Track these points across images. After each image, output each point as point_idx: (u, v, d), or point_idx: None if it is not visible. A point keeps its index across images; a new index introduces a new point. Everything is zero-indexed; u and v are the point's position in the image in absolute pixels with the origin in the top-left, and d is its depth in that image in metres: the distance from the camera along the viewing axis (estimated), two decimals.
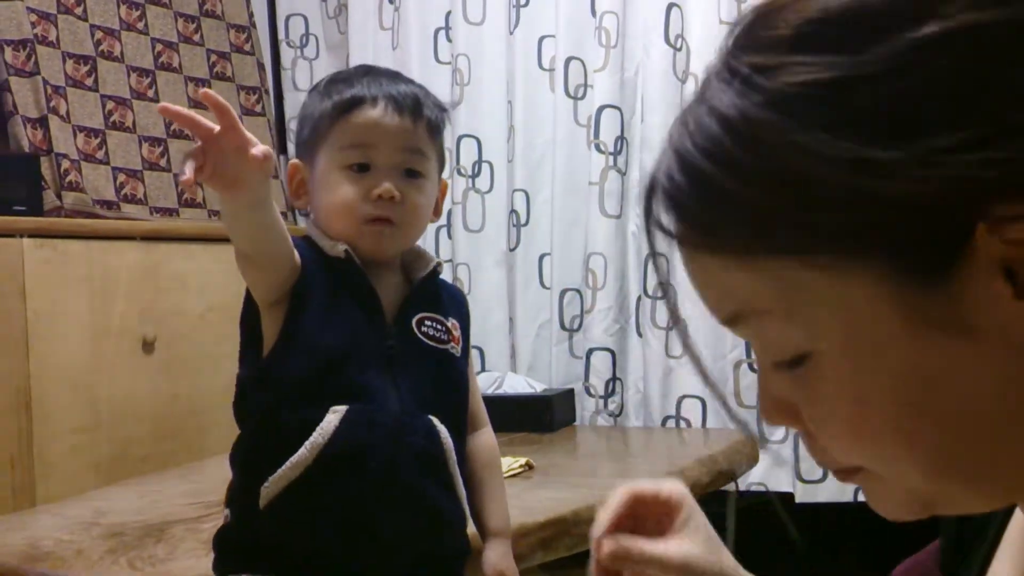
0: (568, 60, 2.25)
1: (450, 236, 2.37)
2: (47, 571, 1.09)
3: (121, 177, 2.40)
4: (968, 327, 0.33)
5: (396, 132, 0.98)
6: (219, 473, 1.68)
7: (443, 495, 0.98)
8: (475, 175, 2.34)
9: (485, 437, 1.07)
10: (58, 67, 2.29)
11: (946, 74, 0.33)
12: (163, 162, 2.48)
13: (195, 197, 2.54)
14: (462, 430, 1.02)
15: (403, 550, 0.96)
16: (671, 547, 0.54)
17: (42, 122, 2.22)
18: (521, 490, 1.35)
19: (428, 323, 1.01)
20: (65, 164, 2.23)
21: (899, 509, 0.38)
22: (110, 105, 2.41)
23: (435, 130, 1.03)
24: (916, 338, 0.34)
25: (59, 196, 2.21)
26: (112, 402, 2.06)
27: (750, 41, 0.39)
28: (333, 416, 0.92)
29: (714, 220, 0.38)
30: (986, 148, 0.32)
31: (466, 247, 2.32)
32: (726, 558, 0.55)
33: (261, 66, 2.76)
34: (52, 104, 2.23)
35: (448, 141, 2.35)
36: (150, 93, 2.50)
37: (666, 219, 0.39)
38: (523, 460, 1.53)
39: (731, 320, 0.39)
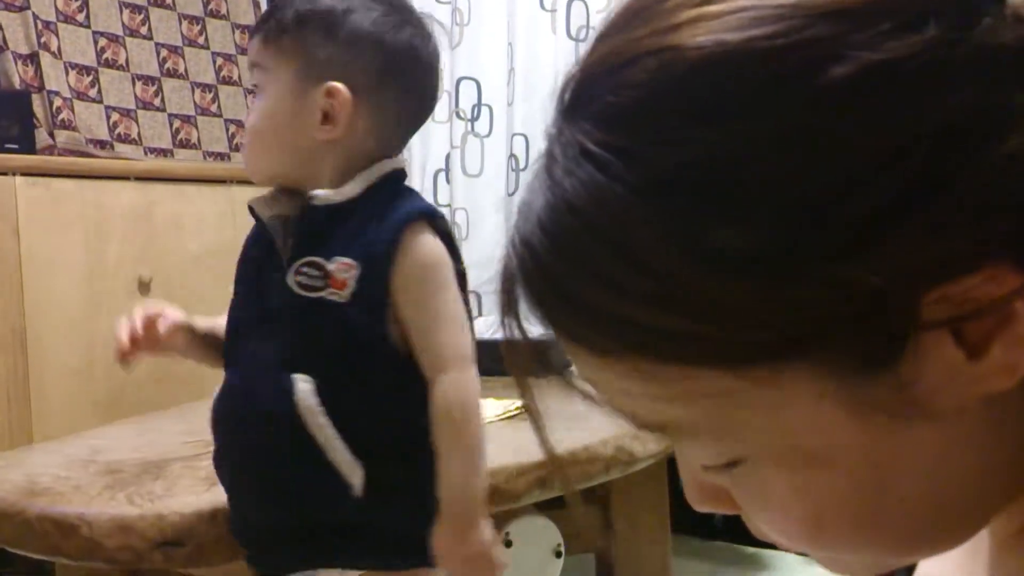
0: (570, 1, 2.21)
1: (448, 181, 2.35)
2: (46, 506, 1.09)
3: (114, 116, 2.37)
4: (922, 405, 0.30)
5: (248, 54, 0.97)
6: None
7: (298, 459, 0.89)
8: (474, 119, 2.31)
9: (438, 388, 0.90)
10: (48, 1, 2.24)
11: (858, 136, 0.28)
12: (157, 101, 2.44)
13: (190, 138, 2.51)
14: (345, 383, 0.90)
15: (260, 519, 0.95)
16: None
17: (33, 59, 2.18)
18: (516, 431, 1.35)
19: (304, 269, 0.90)
20: (57, 102, 2.19)
21: (862, 574, 0.37)
22: (102, 42, 2.36)
23: (276, 35, 0.91)
24: (866, 430, 0.30)
25: (51, 135, 2.19)
26: (108, 342, 2.04)
27: (595, 108, 0.32)
28: (216, 390, 0.98)
29: (601, 341, 0.32)
30: (915, 225, 0.28)
31: (465, 192, 2.30)
32: None
33: None
34: (43, 40, 2.19)
35: (447, 83, 2.32)
36: (143, 30, 2.45)
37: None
38: (519, 403, 1.53)
39: (647, 428, 0.34)
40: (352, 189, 0.92)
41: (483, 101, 2.31)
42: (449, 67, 2.31)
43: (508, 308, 0.34)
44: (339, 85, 0.89)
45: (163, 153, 2.48)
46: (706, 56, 0.29)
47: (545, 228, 0.32)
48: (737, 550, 1.96)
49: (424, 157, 2.35)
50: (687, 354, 0.30)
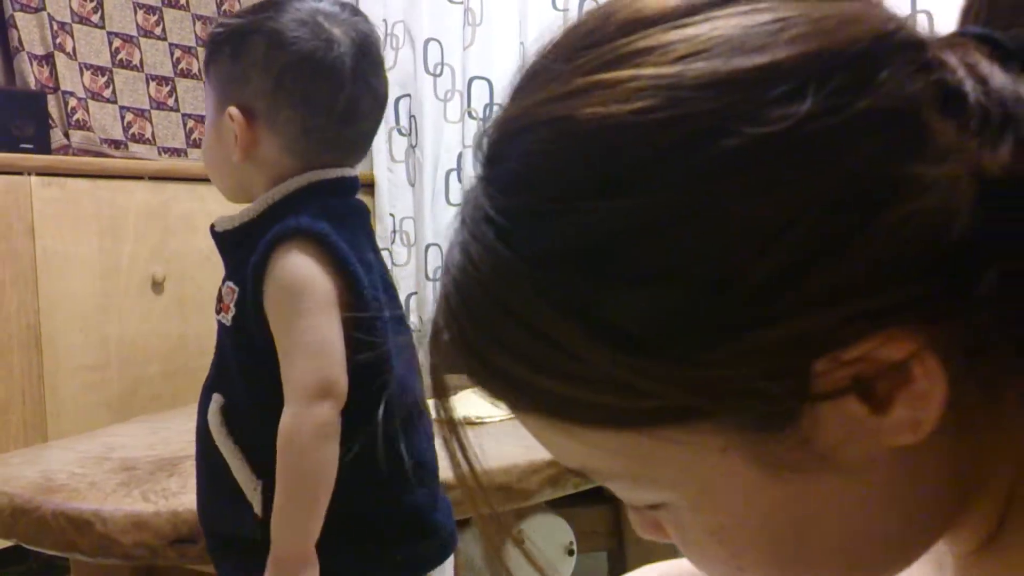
0: (582, 0, 2.21)
1: (460, 180, 2.35)
2: (61, 502, 1.10)
3: (128, 116, 2.38)
4: (828, 459, 0.30)
5: None
6: None
7: (210, 473, 0.92)
8: (487, 118, 2.31)
9: (280, 422, 0.85)
10: (64, 2, 2.26)
11: (744, 209, 0.28)
12: (170, 101, 2.46)
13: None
14: (245, 403, 0.89)
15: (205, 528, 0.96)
16: None
17: (48, 59, 2.19)
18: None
19: (219, 291, 0.91)
20: (72, 102, 2.21)
21: None
22: (117, 43, 2.37)
23: (206, 58, 0.91)
24: (776, 484, 0.30)
25: (66, 135, 2.20)
26: (122, 341, 2.07)
27: (497, 173, 0.32)
28: None
29: (514, 402, 0.32)
30: (803, 296, 0.28)
31: None
32: None
33: None
34: (58, 41, 2.20)
35: (459, 83, 2.32)
36: (157, 31, 2.47)
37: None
38: None
39: (575, 472, 0.35)
40: (250, 211, 0.91)
41: (495, 101, 2.31)
42: (461, 67, 2.32)
43: (434, 351, 0.34)
44: (234, 109, 0.88)
45: (177, 153, 2.49)
46: (595, 128, 0.29)
47: (459, 289, 0.32)
48: None
49: (436, 157, 2.36)
50: (592, 418, 0.31)
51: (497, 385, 0.32)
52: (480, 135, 0.33)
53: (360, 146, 0.95)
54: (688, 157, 0.28)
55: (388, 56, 2.43)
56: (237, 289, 0.88)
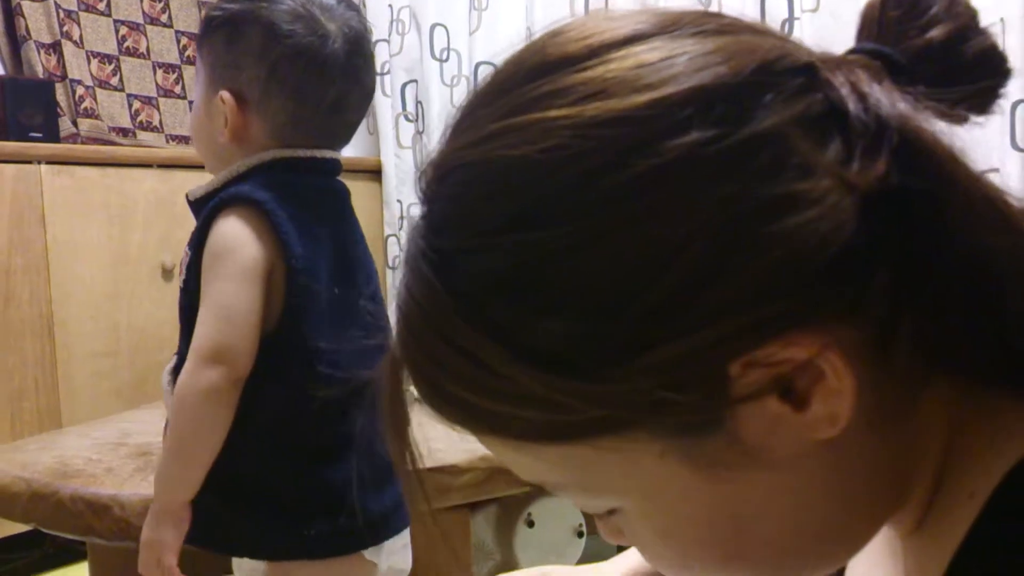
0: None
1: None
2: (79, 487, 1.11)
3: (136, 104, 2.39)
4: (757, 456, 0.32)
5: None
6: None
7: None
8: None
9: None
10: None
11: (638, 235, 0.30)
12: (178, 89, 2.46)
13: None
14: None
15: None
16: None
17: (55, 47, 2.20)
18: None
19: None
20: (80, 90, 2.22)
21: None
22: (123, 30, 2.38)
23: (200, 38, 0.94)
24: (713, 484, 0.32)
25: (75, 123, 2.21)
26: (133, 328, 2.08)
27: (428, 211, 0.35)
28: None
29: (461, 423, 0.34)
30: (701, 310, 0.30)
31: None
32: None
33: None
34: (65, 29, 2.21)
35: (466, 68, 2.32)
36: (163, 18, 2.47)
37: None
38: None
39: (528, 484, 0.38)
40: (214, 182, 0.94)
41: None
42: (468, 52, 2.32)
43: (394, 379, 0.36)
44: (226, 93, 0.91)
45: (184, 140, 2.50)
46: (504, 168, 0.32)
47: (406, 320, 0.34)
48: None
49: None
50: (532, 434, 0.33)
51: (450, 410, 0.34)
52: (419, 174, 0.36)
53: (344, 135, 0.98)
54: (587, 190, 0.30)
55: (394, 42, 2.43)
56: (190, 253, 0.92)
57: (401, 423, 0.36)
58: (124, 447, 1.33)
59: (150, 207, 2.13)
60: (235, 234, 0.87)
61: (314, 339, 0.88)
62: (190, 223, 2.43)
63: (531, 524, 1.43)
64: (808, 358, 0.30)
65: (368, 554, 0.92)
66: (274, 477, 0.90)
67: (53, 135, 2.07)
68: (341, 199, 0.99)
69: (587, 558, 1.52)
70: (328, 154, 0.96)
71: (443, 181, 0.34)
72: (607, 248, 0.30)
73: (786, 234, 0.29)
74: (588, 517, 1.50)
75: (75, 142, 2.17)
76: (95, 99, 2.26)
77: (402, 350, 0.35)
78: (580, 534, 1.49)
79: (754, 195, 0.30)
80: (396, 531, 0.95)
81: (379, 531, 0.92)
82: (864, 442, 0.33)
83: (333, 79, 0.91)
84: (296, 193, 0.91)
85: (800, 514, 0.33)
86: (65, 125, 2.18)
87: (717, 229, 0.30)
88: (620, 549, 1.82)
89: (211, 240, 0.88)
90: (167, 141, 2.44)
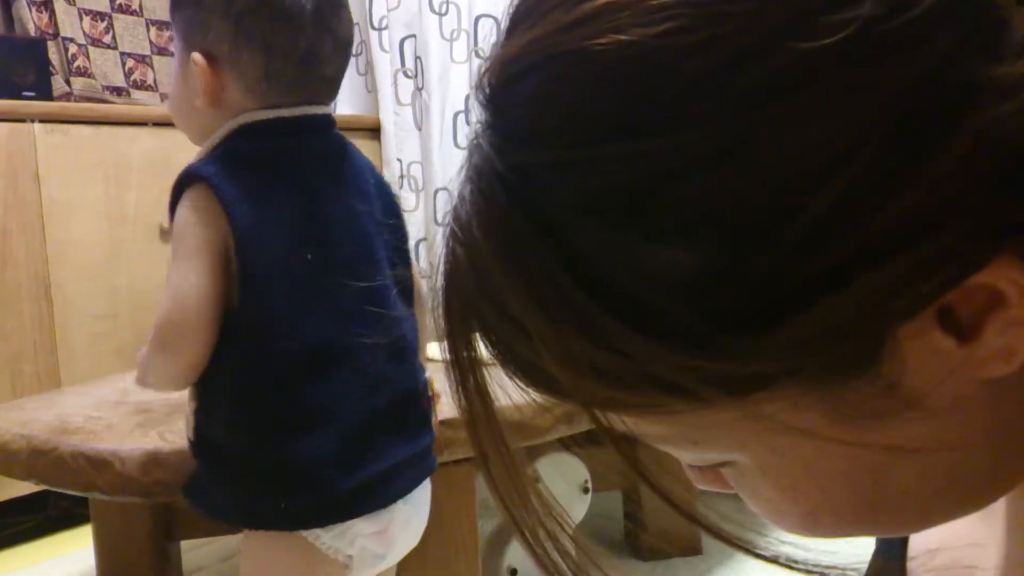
0: None
1: (468, 122, 2.32)
2: (79, 443, 1.10)
3: (130, 63, 2.34)
4: (912, 400, 0.27)
5: None
6: None
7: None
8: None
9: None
10: None
11: (799, 139, 0.24)
12: (171, 47, 2.42)
13: None
14: None
15: None
16: None
17: (47, 5, 2.15)
18: None
19: None
20: (72, 49, 2.18)
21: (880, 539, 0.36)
22: None
23: (173, 9, 0.93)
24: (852, 434, 0.27)
25: (68, 82, 2.17)
26: (131, 290, 2.06)
27: (503, 121, 0.28)
28: None
29: (553, 385, 0.29)
30: (877, 227, 0.24)
31: None
32: None
33: None
34: None
35: (465, 22, 2.28)
36: None
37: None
38: None
39: (628, 438, 0.31)
40: (199, 155, 0.94)
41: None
42: (468, 5, 2.27)
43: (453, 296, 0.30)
44: (197, 55, 0.90)
45: None
46: (614, 60, 0.25)
47: (471, 257, 0.28)
48: None
49: (443, 99, 2.32)
50: (637, 400, 0.28)
51: (519, 374, 0.29)
52: (480, 75, 0.29)
53: (326, 90, 0.95)
54: (728, 84, 0.24)
55: None
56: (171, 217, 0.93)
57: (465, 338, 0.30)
58: (124, 405, 1.32)
59: (146, 166, 2.10)
60: (185, 216, 0.88)
61: (272, 310, 0.87)
62: None
63: (536, 480, 1.42)
64: (989, 282, 0.25)
65: (331, 536, 0.89)
66: (245, 447, 0.89)
67: (46, 94, 2.04)
68: (332, 157, 0.95)
69: (593, 515, 1.51)
70: (312, 110, 0.93)
71: (520, 80, 0.27)
72: (752, 158, 0.24)
73: (985, 128, 0.24)
74: (593, 474, 1.49)
75: (69, 100, 2.13)
76: (88, 57, 2.22)
77: (459, 300, 0.29)
78: (586, 490, 1.48)
79: (947, 78, 0.24)
80: (365, 512, 0.90)
81: (343, 509, 0.89)
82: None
83: (302, 28, 0.89)
84: (257, 158, 0.89)
85: (949, 466, 0.29)
86: (58, 84, 2.14)
87: (901, 123, 0.24)
88: (627, 506, 1.81)
89: (173, 223, 0.90)
90: (161, 100, 2.40)
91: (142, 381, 0.93)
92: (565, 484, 1.47)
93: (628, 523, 1.74)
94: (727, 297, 0.25)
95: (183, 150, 2.22)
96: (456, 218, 0.29)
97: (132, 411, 1.27)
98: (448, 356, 0.30)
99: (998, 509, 0.36)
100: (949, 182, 0.24)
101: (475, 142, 0.29)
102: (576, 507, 1.49)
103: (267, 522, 0.90)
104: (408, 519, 0.95)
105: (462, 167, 0.29)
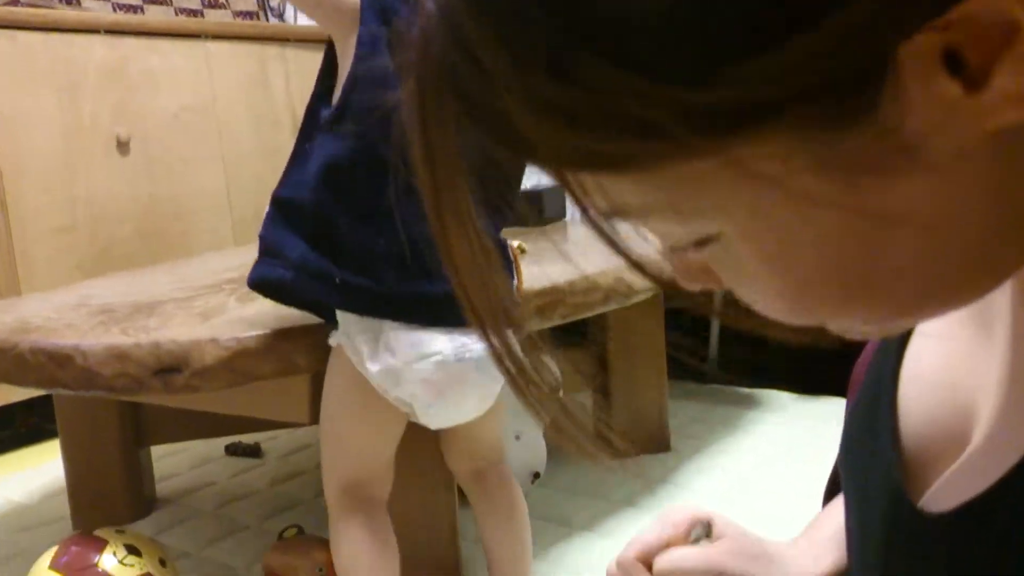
0: None
1: None
2: (39, 339, 1.07)
3: None
4: (912, 152, 0.25)
5: None
6: (208, 266, 1.67)
7: None
8: None
9: None
10: None
11: None
12: None
13: None
14: None
15: None
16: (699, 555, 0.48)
17: None
18: None
19: None
20: None
21: (868, 337, 0.33)
22: None
23: None
24: (845, 191, 0.25)
25: None
26: (91, 203, 2.01)
27: None
28: None
29: (522, 142, 0.26)
30: None
31: None
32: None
33: None
34: None
35: None
36: None
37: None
38: (515, 243, 1.51)
39: (607, 216, 0.29)
40: None
41: None
42: None
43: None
44: None
45: (132, 9, 2.37)
46: None
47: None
48: (731, 392, 1.99)
49: None
50: (616, 160, 0.26)
51: (492, 130, 0.27)
52: None
53: None
54: None
55: None
56: None
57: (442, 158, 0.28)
58: (85, 307, 1.29)
59: (101, 76, 2.02)
60: None
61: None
62: (144, 94, 2.34)
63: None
64: (1011, 19, 0.22)
65: (380, 373, 0.92)
66: (322, 218, 0.94)
67: None
68: None
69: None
70: None
71: None
72: None
73: None
74: (564, 374, 1.49)
75: (16, 6, 2.05)
76: None
77: (433, 63, 0.27)
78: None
79: None
80: (410, 319, 0.92)
81: (400, 310, 0.92)
82: None
83: None
84: None
85: (948, 234, 0.27)
86: None
87: None
88: (596, 406, 1.82)
89: None
90: (114, 10, 2.31)
91: None
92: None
93: (597, 423, 1.75)
94: (711, 17, 0.23)
95: (138, 58, 2.15)
96: None
97: (94, 312, 1.24)
98: (419, 128, 0.28)
99: (998, 317, 0.34)
100: None
101: None
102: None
103: (321, 291, 0.94)
104: (463, 376, 0.94)
105: None
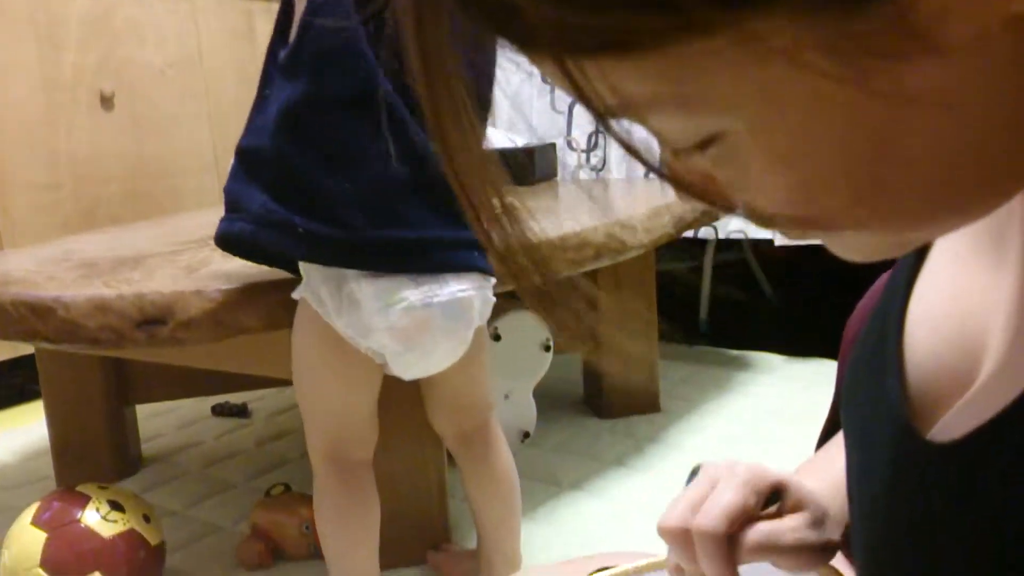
0: None
1: None
2: (20, 291, 1.05)
3: None
4: (927, 36, 0.23)
5: None
6: (194, 222, 1.64)
7: None
8: None
9: None
10: None
11: None
12: None
13: None
14: None
15: None
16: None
17: None
18: None
19: None
20: None
21: (870, 257, 0.31)
22: None
23: None
24: (857, 79, 0.24)
25: None
26: (74, 159, 1.97)
27: None
28: None
29: (518, 25, 0.25)
30: None
31: None
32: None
33: None
34: None
35: None
36: None
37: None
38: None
39: (606, 114, 0.27)
40: None
41: None
42: None
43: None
44: None
45: None
46: None
47: None
48: (721, 353, 1.98)
49: None
50: (617, 41, 0.24)
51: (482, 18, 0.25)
52: None
53: None
54: None
55: None
56: None
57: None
58: (67, 262, 1.27)
59: (84, 27, 1.98)
60: None
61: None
62: (131, 47, 2.29)
63: (497, 338, 1.41)
64: None
65: (344, 324, 0.90)
66: (283, 165, 0.90)
67: None
68: None
69: (553, 377, 1.51)
70: None
71: None
72: None
73: None
74: (555, 332, 1.48)
75: None
76: None
77: None
78: (547, 348, 1.47)
79: None
80: (377, 268, 0.89)
81: (367, 258, 0.89)
82: None
83: None
84: None
85: (959, 130, 0.25)
86: None
87: None
88: (587, 367, 1.82)
89: None
90: None
91: None
92: (526, 342, 1.46)
93: (587, 383, 1.75)
94: None
95: (123, 9, 2.10)
96: None
97: (76, 265, 1.22)
98: (414, 19, 0.27)
99: (1010, 246, 0.33)
100: None
101: None
102: (538, 364, 1.48)
103: (283, 242, 0.90)
104: (430, 322, 0.91)
105: None
